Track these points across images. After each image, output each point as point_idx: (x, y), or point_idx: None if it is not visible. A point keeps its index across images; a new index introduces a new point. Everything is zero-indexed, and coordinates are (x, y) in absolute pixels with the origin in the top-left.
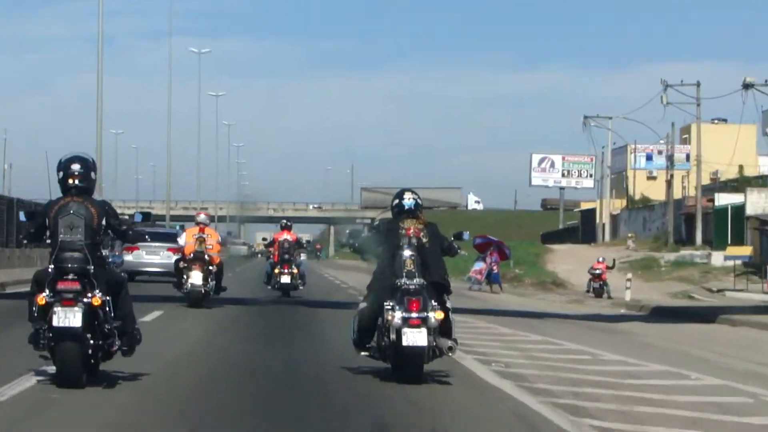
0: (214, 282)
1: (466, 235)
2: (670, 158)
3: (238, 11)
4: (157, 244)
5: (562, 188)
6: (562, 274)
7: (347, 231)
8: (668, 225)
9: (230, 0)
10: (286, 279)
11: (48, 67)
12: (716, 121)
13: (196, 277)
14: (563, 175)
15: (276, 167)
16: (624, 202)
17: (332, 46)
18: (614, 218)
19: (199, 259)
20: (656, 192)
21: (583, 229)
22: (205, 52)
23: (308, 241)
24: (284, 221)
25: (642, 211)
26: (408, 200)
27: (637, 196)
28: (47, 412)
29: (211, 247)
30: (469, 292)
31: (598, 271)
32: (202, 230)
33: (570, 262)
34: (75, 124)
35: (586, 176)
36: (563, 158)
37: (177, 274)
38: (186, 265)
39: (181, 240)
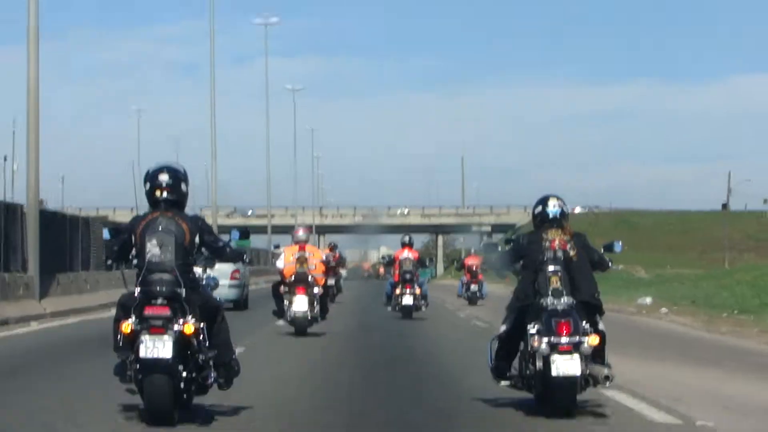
0: (319, 306)
1: (618, 246)
2: None
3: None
4: None
5: None
6: None
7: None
8: None
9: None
10: (408, 300)
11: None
12: None
13: (300, 303)
14: None
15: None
16: None
17: (413, 65)
18: None
19: (302, 281)
20: None
21: None
22: (299, 90)
23: (431, 259)
24: (406, 237)
25: None
26: (553, 208)
27: None
28: None
29: (314, 267)
30: None
31: None
32: (302, 248)
33: None
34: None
35: None
36: None
37: (276, 299)
38: (287, 289)
39: (280, 262)
